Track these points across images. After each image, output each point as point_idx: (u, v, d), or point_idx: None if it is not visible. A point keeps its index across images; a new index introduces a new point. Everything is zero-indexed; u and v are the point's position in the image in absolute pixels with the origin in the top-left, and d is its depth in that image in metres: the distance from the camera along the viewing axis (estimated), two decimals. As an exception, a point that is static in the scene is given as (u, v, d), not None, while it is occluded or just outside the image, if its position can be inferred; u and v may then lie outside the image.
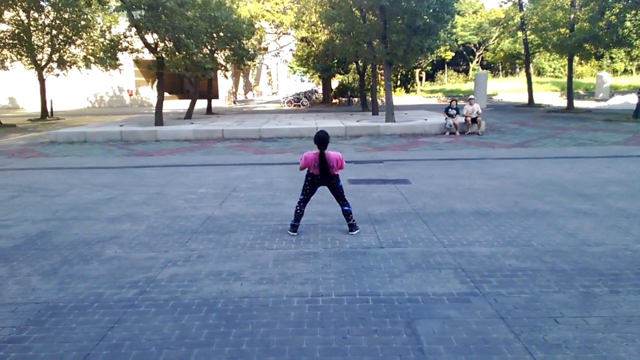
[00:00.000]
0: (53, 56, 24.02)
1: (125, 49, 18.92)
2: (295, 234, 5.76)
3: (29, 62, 23.94)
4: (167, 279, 4.55)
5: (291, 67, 51.09)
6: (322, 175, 5.60)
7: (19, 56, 23.50)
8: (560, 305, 3.88)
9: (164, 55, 18.27)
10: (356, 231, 5.76)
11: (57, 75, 25.12)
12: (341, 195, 5.75)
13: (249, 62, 27.65)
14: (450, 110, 16.04)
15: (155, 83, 22.09)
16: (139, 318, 3.80)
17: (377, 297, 4.09)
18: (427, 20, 15.79)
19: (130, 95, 38.38)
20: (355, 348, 3.31)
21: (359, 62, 26.03)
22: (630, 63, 47.21)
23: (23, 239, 5.83)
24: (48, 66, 24.43)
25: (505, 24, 33.89)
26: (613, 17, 20.29)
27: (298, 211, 5.78)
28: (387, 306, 3.92)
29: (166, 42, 18.13)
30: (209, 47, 21.68)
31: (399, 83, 41.78)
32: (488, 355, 3.20)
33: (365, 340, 3.41)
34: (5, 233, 6.09)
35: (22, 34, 22.25)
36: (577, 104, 26.50)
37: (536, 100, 28.93)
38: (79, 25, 22.80)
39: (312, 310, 3.88)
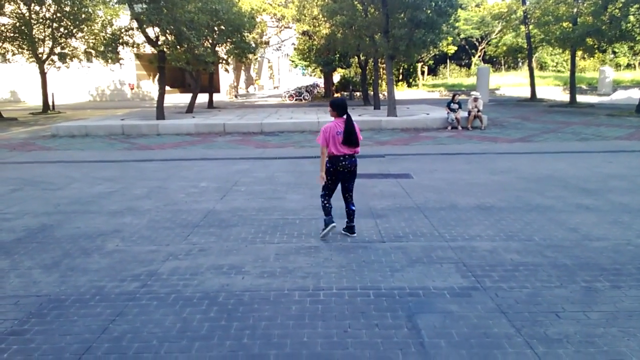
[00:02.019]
0: (54, 49, 23.97)
1: (127, 43, 18.87)
2: (334, 224, 5.38)
3: (30, 55, 23.90)
4: (169, 273, 4.55)
5: (293, 61, 50.93)
6: (346, 142, 5.16)
7: (20, 49, 23.46)
8: (562, 300, 3.88)
9: (165, 49, 18.22)
10: (352, 235, 5.51)
11: (59, 68, 25.08)
12: (351, 191, 5.47)
13: (251, 56, 27.56)
14: (452, 104, 15.97)
15: (157, 77, 22.04)
16: (141, 311, 3.81)
17: (378, 291, 4.10)
18: (430, 14, 15.71)
19: (132, 89, 38.32)
20: (356, 342, 3.32)
21: (361, 56, 25.93)
22: (634, 57, 46.94)
23: (24, 232, 5.84)
24: (49, 59, 24.39)
25: (507, 18, 33.70)
26: (616, 10, 20.17)
27: (326, 205, 5.40)
28: (388, 300, 3.92)
29: (167, 35, 18.08)
30: (210, 41, 21.60)
31: (400, 77, 41.59)
32: (489, 350, 3.20)
33: (366, 334, 3.41)
34: (6, 226, 6.10)
35: (23, 27, 22.19)
36: (580, 98, 26.39)
37: (538, 95, 28.82)
38: (80, 18, 22.73)
39: (313, 304, 3.89)
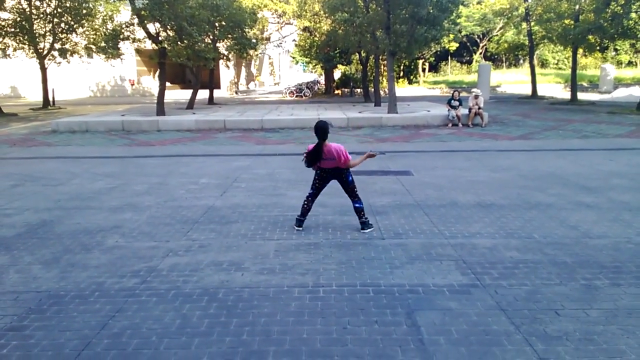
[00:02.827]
0: (55, 45, 23.93)
1: (127, 38, 18.84)
2: (301, 229, 5.60)
3: (30, 50, 23.87)
4: (168, 269, 4.55)
5: (293, 58, 50.84)
6: (310, 164, 5.41)
7: (21, 45, 23.42)
8: (561, 297, 3.88)
9: (166, 45, 18.19)
10: (368, 230, 5.52)
11: (59, 64, 25.04)
12: (351, 191, 5.51)
13: (251, 52, 27.49)
14: (452, 101, 15.94)
15: (157, 73, 22.00)
16: (140, 307, 3.81)
17: (377, 288, 4.10)
18: (431, 11, 15.67)
19: (132, 85, 38.29)
20: (356, 338, 3.32)
21: (362, 52, 25.87)
22: (635, 55, 46.82)
23: (24, 228, 5.84)
24: (50, 55, 24.35)
25: (509, 15, 33.63)
26: (618, 8, 20.10)
27: (305, 206, 5.60)
28: (387, 297, 3.92)
29: (168, 31, 18.04)
30: (211, 37, 21.56)
31: (401, 74, 41.48)
32: (488, 347, 3.20)
33: (366, 331, 3.41)
34: (6, 222, 6.10)
35: (23, 22, 22.15)
36: (581, 96, 26.34)
37: (540, 92, 28.76)
38: (81, 13, 22.69)
39: (313, 300, 3.89)
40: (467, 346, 3.21)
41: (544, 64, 48.75)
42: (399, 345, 3.23)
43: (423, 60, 43.93)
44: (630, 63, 47.18)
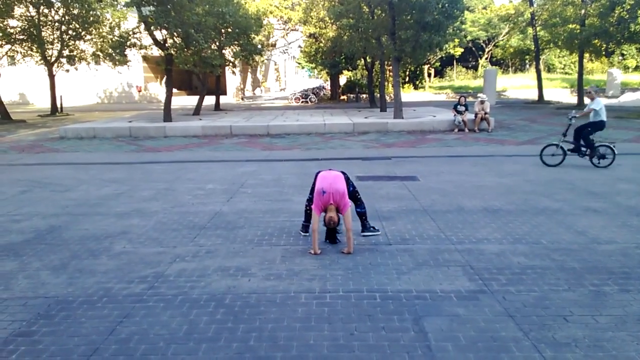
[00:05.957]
0: (63, 52, 24.16)
1: (134, 45, 19.00)
2: (307, 234, 5.57)
3: (39, 57, 24.11)
4: (176, 274, 4.57)
5: (299, 64, 51.02)
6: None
7: (29, 52, 23.66)
8: (570, 303, 3.85)
9: (173, 52, 18.32)
10: (370, 234, 5.51)
11: (67, 70, 25.26)
12: (354, 197, 5.47)
13: (257, 58, 27.63)
14: (458, 106, 15.92)
15: (164, 79, 22.16)
16: (148, 313, 3.82)
17: (384, 294, 4.09)
18: (436, 16, 15.69)
19: (139, 91, 38.52)
20: (363, 345, 3.31)
21: (367, 58, 25.92)
22: (642, 59, 46.57)
23: (33, 234, 5.88)
24: (58, 62, 24.58)
25: (515, 20, 33.56)
26: (624, 12, 20.06)
27: (307, 211, 5.57)
28: (394, 303, 3.91)
29: (175, 38, 18.17)
30: (217, 43, 21.70)
31: (407, 79, 41.49)
32: (496, 353, 3.18)
33: (373, 337, 3.40)
34: (15, 228, 6.15)
35: (32, 30, 22.39)
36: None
37: (546, 97, 28.66)
38: (88, 20, 22.92)
39: (320, 306, 3.88)
40: (475, 352, 3.19)
41: (550, 68, 48.59)
42: (407, 351, 3.22)
43: (428, 65, 43.93)
44: (637, 68, 46.87)
